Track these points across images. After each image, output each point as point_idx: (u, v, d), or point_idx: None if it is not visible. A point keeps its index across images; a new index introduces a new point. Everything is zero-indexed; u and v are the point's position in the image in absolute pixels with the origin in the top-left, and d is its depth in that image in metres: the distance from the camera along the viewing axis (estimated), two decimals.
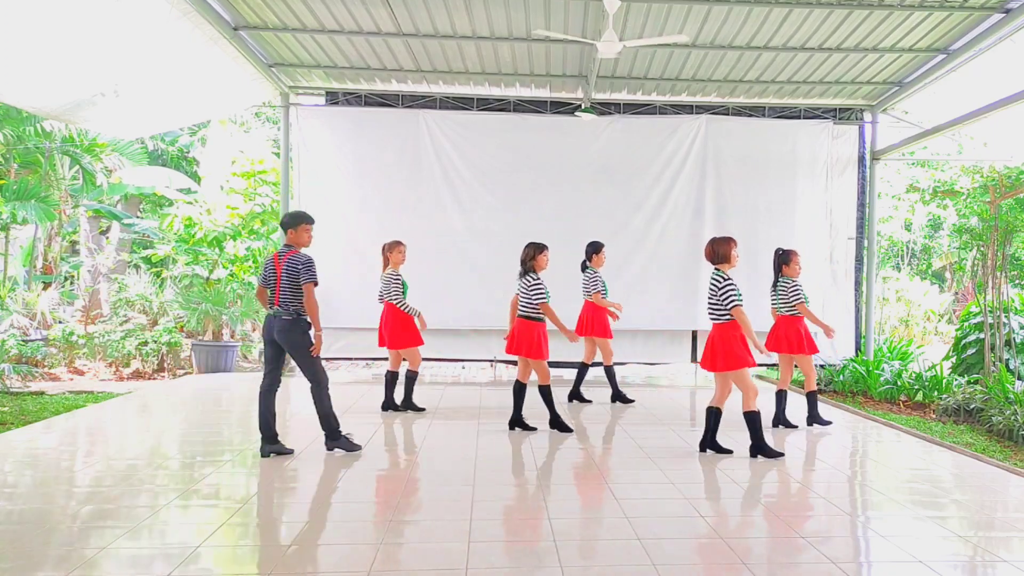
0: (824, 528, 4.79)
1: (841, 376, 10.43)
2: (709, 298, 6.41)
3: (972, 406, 8.39)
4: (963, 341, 10.73)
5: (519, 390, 7.38)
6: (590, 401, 9.07)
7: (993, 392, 8.37)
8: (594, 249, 8.79)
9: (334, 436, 6.41)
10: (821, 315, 11.72)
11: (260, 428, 6.24)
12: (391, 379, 8.34)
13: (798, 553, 4.28)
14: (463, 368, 12.42)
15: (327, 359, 11.89)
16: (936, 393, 9.38)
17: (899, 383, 9.80)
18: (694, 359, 11.62)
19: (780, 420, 7.83)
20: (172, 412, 8.37)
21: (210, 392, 9.79)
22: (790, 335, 7.61)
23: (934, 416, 8.76)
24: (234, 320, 12.27)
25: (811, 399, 7.83)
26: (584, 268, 8.85)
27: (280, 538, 4.51)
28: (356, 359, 12.03)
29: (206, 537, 4.40)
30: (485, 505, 5.08)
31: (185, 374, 11.41)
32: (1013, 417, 7.56)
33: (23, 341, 10.79)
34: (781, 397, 7.85)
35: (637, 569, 3.99)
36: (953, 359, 10.95)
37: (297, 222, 6.37)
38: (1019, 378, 9.67)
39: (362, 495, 5.40)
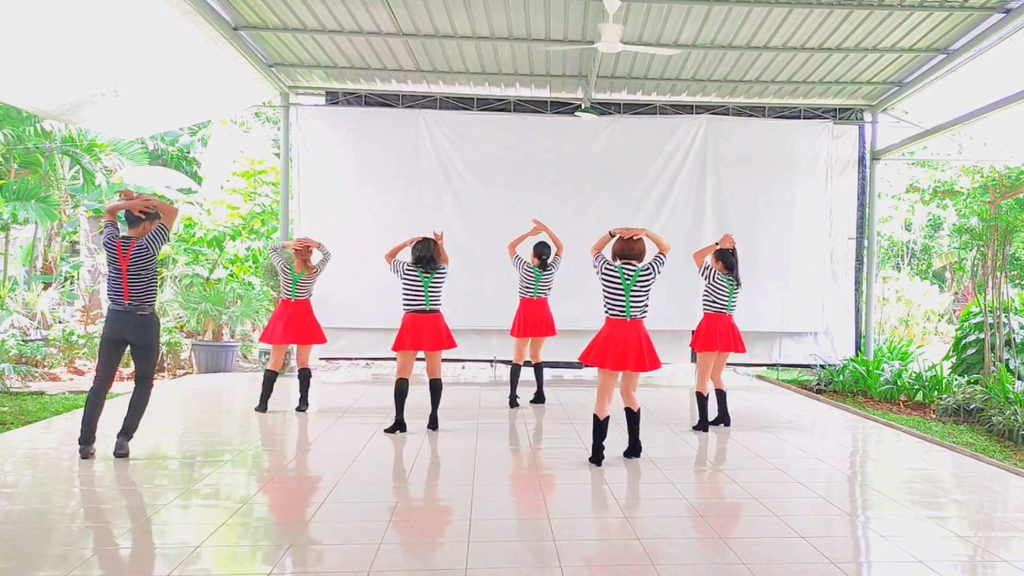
0: (824, 528, 4.78)
1: (841, 376, 10.43)
2: (641, 295, 6.05)
3: (972, 406, 8.39)
4: (963, 341, 10.73)
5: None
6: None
7: (993, 392, 8.37)
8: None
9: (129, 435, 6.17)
10: (821, 315, 11.75)
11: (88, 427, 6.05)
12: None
13: (798, 553, 4.28)
14: (463, 368, 12.41)
15: (327, 359, 11.89)
16: (936, 393, 9.37)
17: (899, 383, 9.79)
18: (694, 359, 11.63)
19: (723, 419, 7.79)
20: (172, 412, 8.37)
21: (210, 392, 9.79)
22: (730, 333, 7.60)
23: (934, 416, 8.75)
24: (234, 320, 12.26)
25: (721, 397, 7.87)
26: (547, 266, 8.57)
27: (280, 538, 4.51)
28: (355, 359, 12.02)
29: (206, 537, 4.40)
30: (485, 505, 5.08)
31: (185, 374, 11.40)
32: (1013, 417, 7.56)
33: (23, 341, 10.78)
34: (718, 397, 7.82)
35: (637, 569, 3.99)
36: (953, 359, 10.94)
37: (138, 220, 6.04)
38: (1019, 378, 9.66)
39: (362, 495, 5.40)
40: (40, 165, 13.86)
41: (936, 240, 23.48)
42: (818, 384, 10.56)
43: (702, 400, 7.51)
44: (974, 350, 10.43)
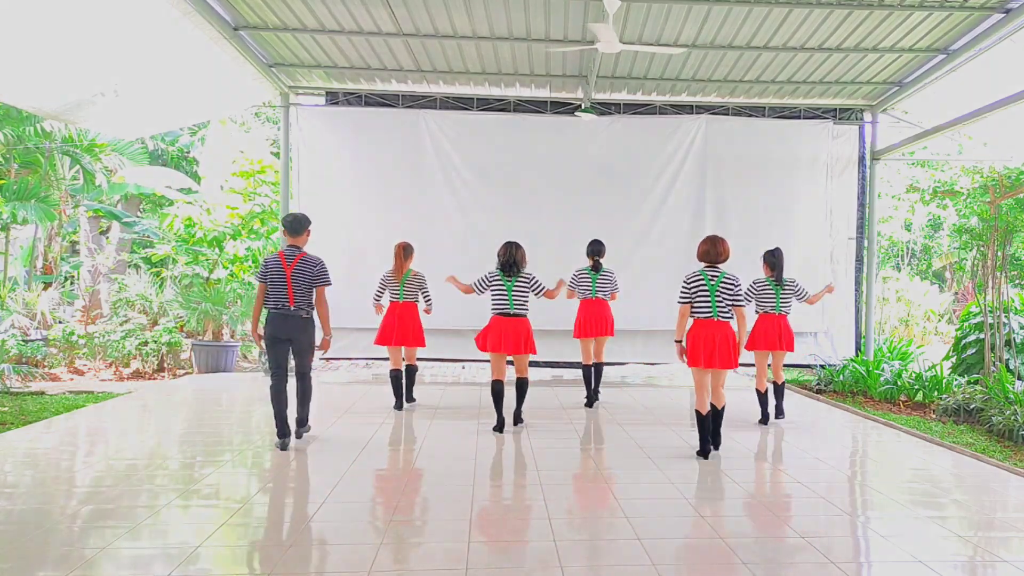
0: (824, 528, 4.79)
1: (841, 376, 10.43)
2: (725, 298, 6.44)
3: (972, 406, 8.39)
4: (963, 341, 10.72)
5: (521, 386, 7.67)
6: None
7: (993, 392, 8.37)
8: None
9: (305, 423, 6.88)
10: (821, 315, 11.74)
11: (279, 425, 6.54)
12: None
13: (798, 553, 4.28)
14: (463, 368, 12.41)
15: (328, 359, 11.92)
16: (936, 393, 9.37)
17: (899, 383, 9.78)
18: None
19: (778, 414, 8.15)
20: (172, 412, 8.37)
21: (210, 392, 9.78)
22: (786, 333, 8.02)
23: (934, 416, 8.75)
24: (234, 320, 12.27)
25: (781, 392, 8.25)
26: (600, 268, 8.78)
27: (280, 538, 4.51)
28: (356, 359, 11.99)
29: (206, 537, 4.40)
30: (485, 505, 5.08)
31: (185, 374, 11.40)
32: (1013, 417, 7.56)
33: (23, 341, 10.78)
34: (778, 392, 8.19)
35: (637, 569, 3.99)
36: (953, 359, 10.94)
37: (304, 226, 6.80)
38: (1019, 378, 9.66)
39: (362, 495, 5.40)
40: (40, 165, 13.86)
41: (936, 240, 23.50)
42: (818, 384, 10.56)
43: (761, 396, 8.01)
44: (974, 350, 10.43)
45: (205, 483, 5.51)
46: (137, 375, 11.17)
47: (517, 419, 7.65)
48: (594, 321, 8.70)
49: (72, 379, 10.86)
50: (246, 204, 14.18)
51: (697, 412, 6.50)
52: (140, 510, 4.85)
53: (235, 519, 4.76)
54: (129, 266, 15.41)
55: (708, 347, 6.35)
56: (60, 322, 12.59)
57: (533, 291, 7.44)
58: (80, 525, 4.59)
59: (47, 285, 14.43)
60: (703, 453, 6.50)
